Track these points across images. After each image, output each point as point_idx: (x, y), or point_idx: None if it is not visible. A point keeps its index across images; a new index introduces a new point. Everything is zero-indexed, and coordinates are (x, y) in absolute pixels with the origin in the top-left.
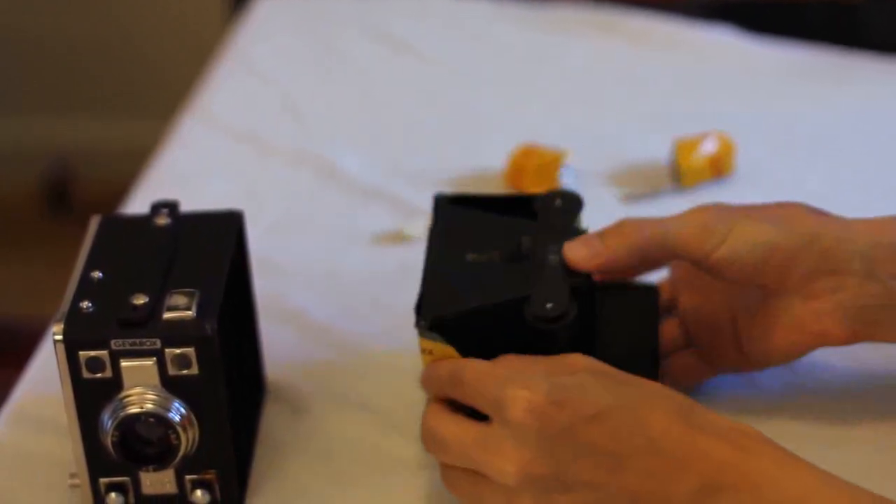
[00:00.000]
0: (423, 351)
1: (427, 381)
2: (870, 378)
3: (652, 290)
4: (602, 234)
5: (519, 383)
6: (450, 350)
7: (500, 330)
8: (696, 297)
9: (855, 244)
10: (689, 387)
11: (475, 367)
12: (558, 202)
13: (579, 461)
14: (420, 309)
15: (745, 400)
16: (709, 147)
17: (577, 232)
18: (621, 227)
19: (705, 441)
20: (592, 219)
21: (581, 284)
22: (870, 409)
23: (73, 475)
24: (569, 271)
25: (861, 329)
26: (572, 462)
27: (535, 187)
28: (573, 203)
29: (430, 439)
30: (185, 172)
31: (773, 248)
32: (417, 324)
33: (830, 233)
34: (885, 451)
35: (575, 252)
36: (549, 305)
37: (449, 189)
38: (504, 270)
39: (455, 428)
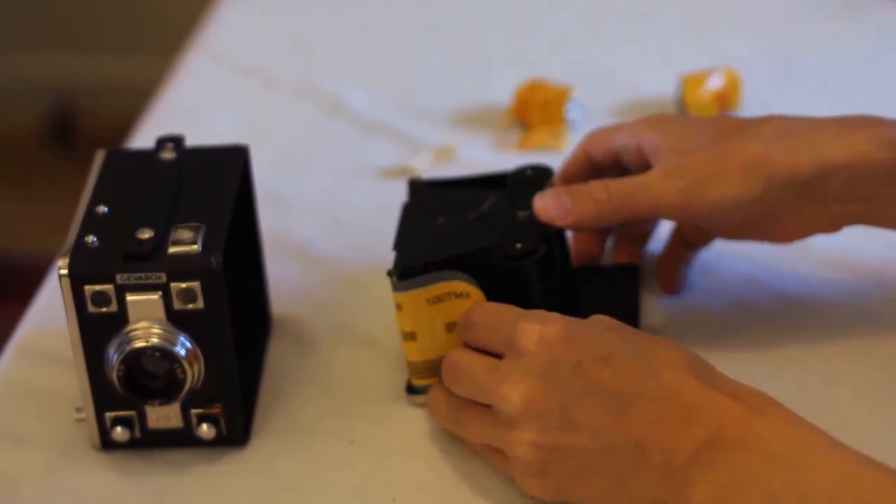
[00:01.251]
0: (397, 307)
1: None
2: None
3: (632, 270)
4: (572, 194)
5: (533, 317)
6: (422, 292)
7: (474, 279)
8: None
9: (830, 178)
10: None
11: (486, 307)
12: (529, 172)
13: (585, 400)
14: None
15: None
16: (715, 82)
17: None
18: (591, 191)
19: (714, 396)
20: None
21: (550, 232)
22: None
23: (78, 409)
24: (538, 224)
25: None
26: (578, 400)
27: (541, 122)
28: (544, 172)
29: (447, 370)
30: (190, 107)
31: (753, 203)
32: (390, 276)
33: (802, 170)
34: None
35: (545, 203)
36: (518, 245)
37: (454, 123)
38: (475, 227)
39: (470, 358)
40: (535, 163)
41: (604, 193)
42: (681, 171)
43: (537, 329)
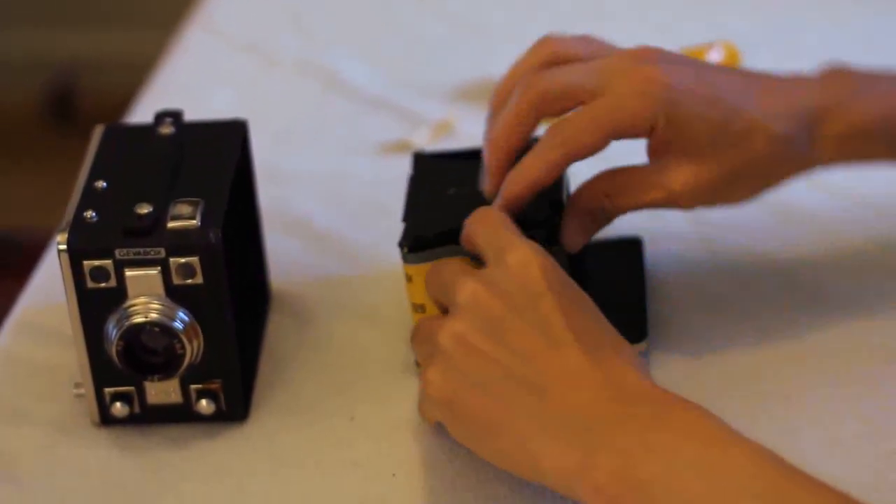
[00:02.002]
0: (407, 279)
1: None
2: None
3: (636, 243)
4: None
5: (526, 245)
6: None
7: None
8: None
9: None
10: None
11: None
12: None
13: (527, 326)
14: (403, 237)
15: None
16: (714, 56)
17: None
18: (604, 214)
19: (646, 384)
20: None
21: (559, 199)
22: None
23: (77, 385)
24: (548, 193)
25: None
26: (521, 322)
27: None
28: None
29: (430, 274)
30: (189, 82)
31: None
32: (400, 248)
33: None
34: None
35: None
36: (531, 214)
37: (454, 98)
38: (484, 198)
39: (454, 262)
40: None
41: (606, 199)
42: (704, 191)
43: (530, 254)
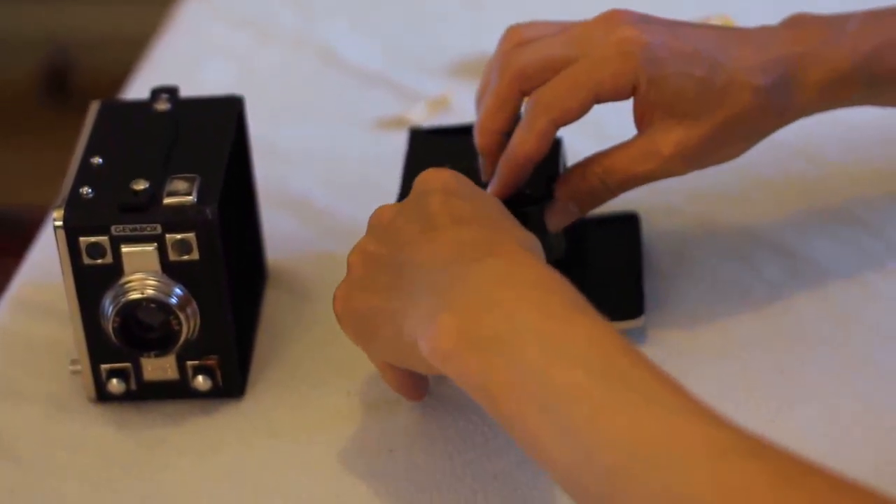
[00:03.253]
0: None
1: None
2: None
3: (633, 219)
4: (578, 200)
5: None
6: None
7: None
8: None
9: None
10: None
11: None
12: None
13: (411, 220)
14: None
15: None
16: None
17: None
18: (590, 190)
19: (502, 243)
20: None
21: (556, 175)
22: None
23: (74, 361)
24: (544, 169)
25: None
26: (406, 218)
27: None
28: None
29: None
30: (185, 58)
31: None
32: None
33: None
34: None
35: (556, 222)
36: (527, 191)
37: (451, 74)
38: (480, 174)
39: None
40: None
41: (598, 181)
42: (695, 152)
43: (436, 169)
